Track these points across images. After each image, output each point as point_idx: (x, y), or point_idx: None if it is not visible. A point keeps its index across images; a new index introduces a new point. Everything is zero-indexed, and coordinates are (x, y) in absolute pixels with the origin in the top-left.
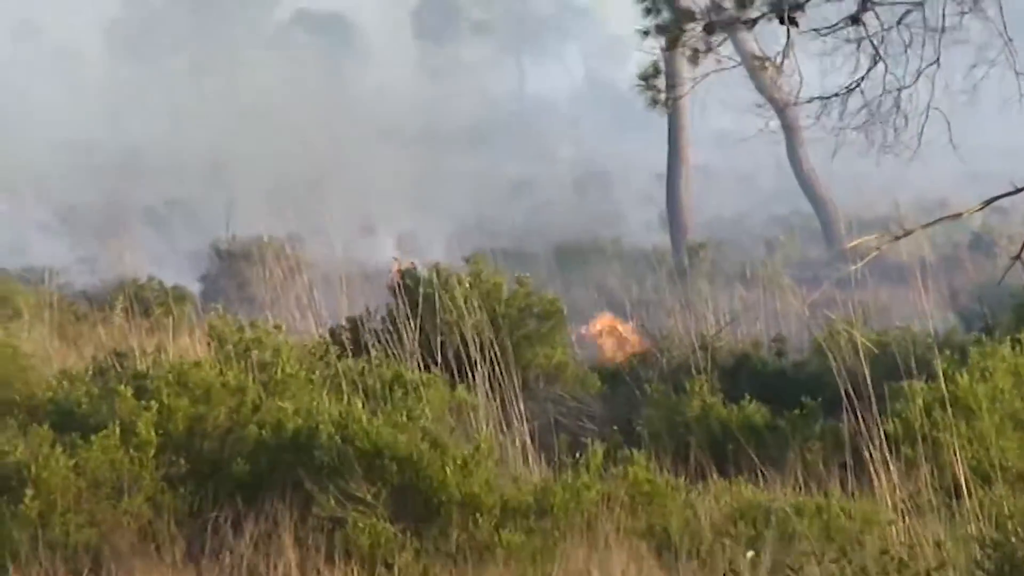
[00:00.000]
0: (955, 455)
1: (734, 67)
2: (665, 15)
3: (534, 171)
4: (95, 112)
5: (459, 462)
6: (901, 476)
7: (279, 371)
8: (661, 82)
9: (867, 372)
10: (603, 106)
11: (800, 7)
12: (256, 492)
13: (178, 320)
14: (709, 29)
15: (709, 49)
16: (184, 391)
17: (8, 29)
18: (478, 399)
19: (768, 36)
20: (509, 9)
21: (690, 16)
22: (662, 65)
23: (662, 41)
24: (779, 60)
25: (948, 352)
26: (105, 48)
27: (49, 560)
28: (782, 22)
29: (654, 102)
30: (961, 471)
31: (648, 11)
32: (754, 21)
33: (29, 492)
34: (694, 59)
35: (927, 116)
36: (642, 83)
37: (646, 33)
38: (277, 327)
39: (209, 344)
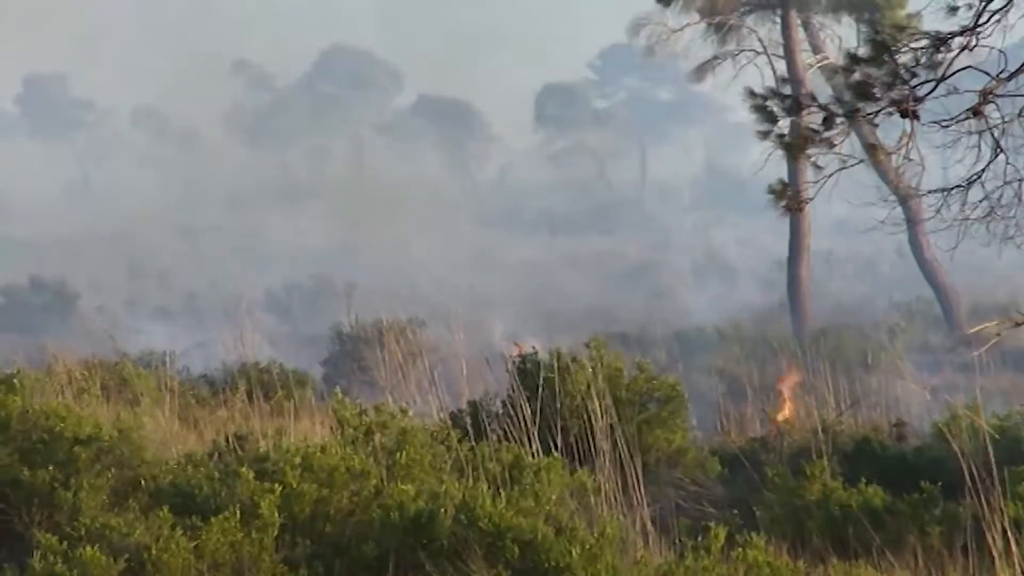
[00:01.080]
0: None
1: (856, 164)
2: (780, 115)
3: (655, 256)
4: (216, 197)
5: (585, 546)
6: (1022, 561)
7: (402, 455)
8: (789, 192)
9: (988, 456)
10: (723, 192)
11: (920, 100)
12: (378, 574)
13: (299, 403)
14: (828, 124)
15: (830, 144)
16: (308, 474)
17: (130, 113)
18: (599, 482)
19: (889, 126)
20: (631, 96)
21: (809, 111)
22: (783, 168)
23: (783, 150)
24: (901, 151)
25: None
26: (226, 133)
27: None
28: (903, 116)
29: (785, 209)
30: None
31: (761, 109)
32: (874, 114)
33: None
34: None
35: None
36: (771, 195)
37: (765, 134)
38: (403, 411)
39: (332, 428)
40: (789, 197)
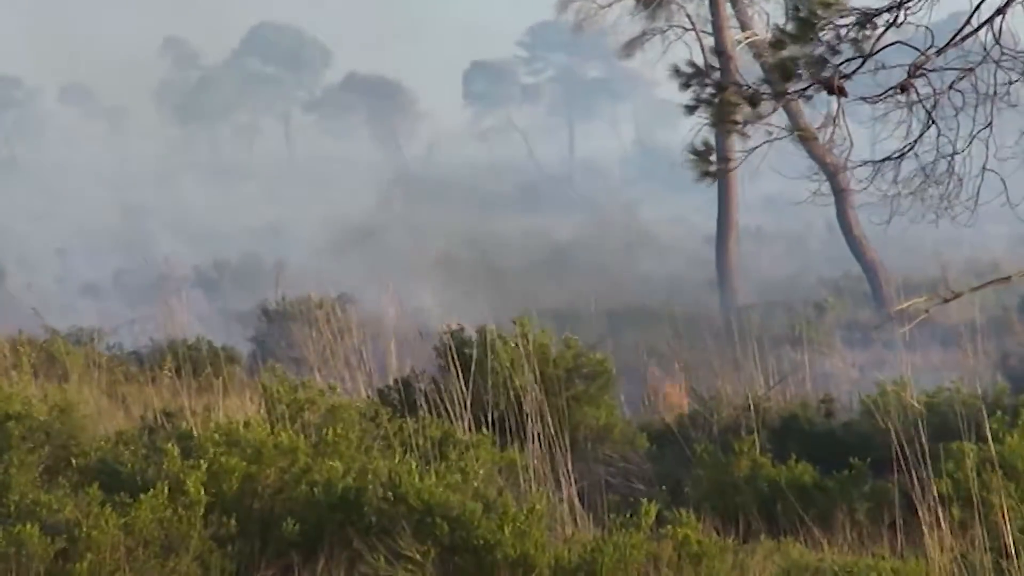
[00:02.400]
0: (1005, 517)
1: (784, 138)
2: (708, 90)
3: (583, 233)
4: (145, 174)
5: (515, 523)
6: (951, 537)
7: (330, 431)
8: (712, 156)
9: (918, 433)
10: (653, 169)
11: (847, 76)
12: (306, 551)
13: (228, 380)
14: (754, 102)
15: (758, 118)
16: (235, 450)
17: (57, 91)
18: (527, 459)
19: (818, 102)
20: (560, 73)
21: (735, 91)
22: (711, 139)
23: (707, 117)
24: (830, 128)
25: (998, 413)
26: (155, 111)
27: None
28: (830, 92)
29: (704, 175)
30: (1010, 532)
31: (687, 85)
32: (802, 91)
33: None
34: (741, 132)
35: (982, 179)
36: (693, 158)
37: (691, 108)
38: (332, 387)
39: (261, 404)
40: (712, 163)
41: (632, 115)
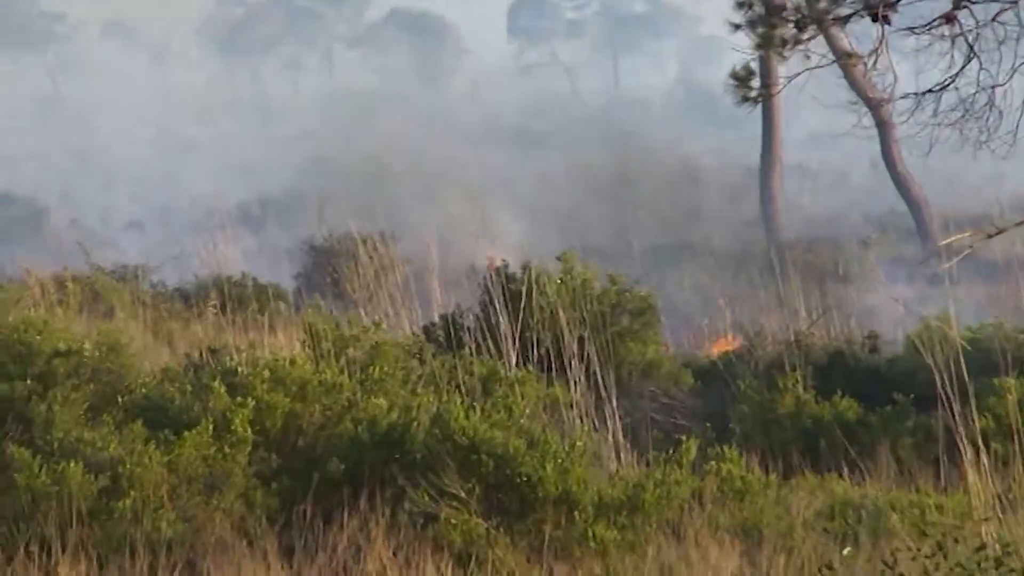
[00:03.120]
0: None
1: (827, 65)
2: (757, 10)
3: (627, 169)
4: (188, 110)
5: (557, 459)
6: (994, 472)
7: (375, 368)
8: (754, 81)
9: (960, 369)
10: (696, 105)
11: (892, 5)
12: (350, 488)
13: (272, 317)
14: (800, 25)
15: (799, 43)
16: (279, 388)
17: (99, 27)
18: (572, 396)
19: (861, 34)
20: (603, 8)
21: (781, 12)
22: (755, 65)
23: (753, 37)
24: (872, 58)
25: None
26: (198, 47)
27: (143, 555)
28: (874, 20)
29: (744, 99)
30: None
31: (740, 5)
32: (846, 18)
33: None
34: (784, 55)
35: (1022, 113)
36: (734, 82)
37: (737, 27)
38: (377, 324)
39: (304, 342)
40: (754, 88)
41: (676, 51)
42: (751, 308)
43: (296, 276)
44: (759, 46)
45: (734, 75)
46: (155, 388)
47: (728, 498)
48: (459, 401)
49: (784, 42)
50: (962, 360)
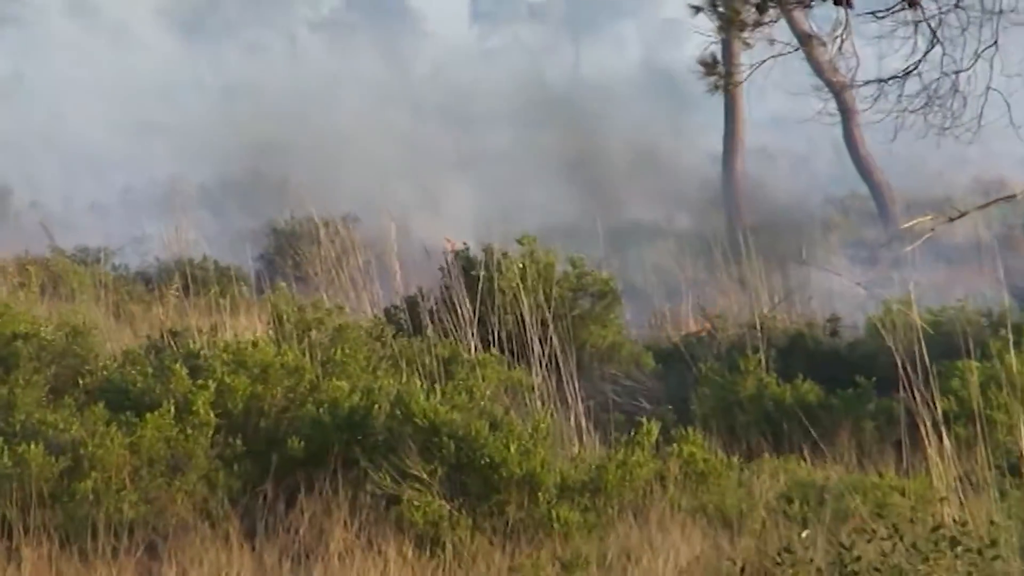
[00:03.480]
0: (1009, 434)
1: (791, 52)
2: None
3: (589, 153)
4: (150, 92)
5: (521, 441)
6: (955, 455)
7: (337, 351)
8: (719, 67)
9: (922, 351)
10: (659, 88)
11: None
12: (311, 470)
13: (234, 299)
14: (761, 7)
15: (760, 25)
16: (241, 370)
17: (61, 8)
18: (533, 378)
19: (824, 19)
20: None
21: None
22: (719, 51)
23: (714, 20)
24: (835, 42)
25: (1002, 331)
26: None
27: (104, 537)
28: (837, 3)
29: (715, 87)
30: (1015, 449)
31: None
32: (808, 1)
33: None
34: (745, 39)
35: (986, 98)
36: (701, 69)
37: (698, 9)
38: (339, 307)
39: (268, 324)
40: (720, 74)
41: (638, 34)
42: (713, 290)
43: (257, 259)
44: (720, 29)
45: (701, 62)
46: (117, 370)
47: (690, 480)
48: (420, 384)
49: (745, 25)
50: (923, 343)
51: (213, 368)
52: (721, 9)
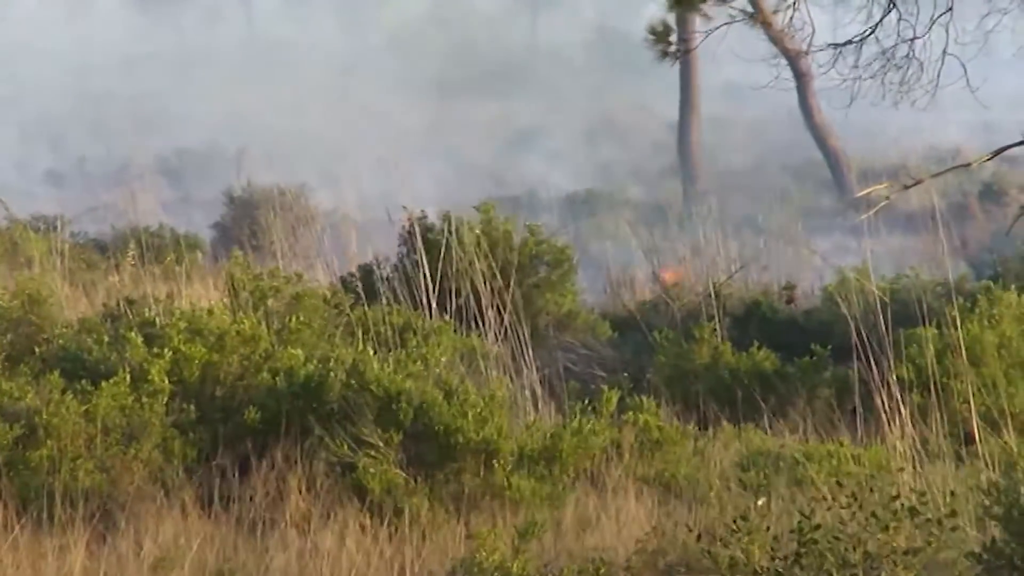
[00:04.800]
0: (966, 402)
1: (745, 20)
2: None
3: (546, 121)
4: (107, 62)
5: (477, 409)
6: (911, 423)
7: (292, 319)
8: (672, 37)
9: (877, 320)
10: (615, 56)
11: None
12: (267, 438)
13: (190, 267)
14: None
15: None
16: (197, 338)
17: None
18: (489, 346)
19: None
20: None
21: None
22: (672, 19)
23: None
24: (790, 10)
25: (959, 300)
26: None
27: (61, 505)
28: None
29: (664, 54)
30: (972, 418)
31: None
32: None
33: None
34: (702, 10)
35: (942, 64)
36: (652, 37)
37: None
38: (298, 275)
39: (225, 292)
40: (672, 43)
41: (595, 2)
42: (669, 259)
43: (214, 227)
44: (676, 2)
45: (652, 31)
46: (72, 339)
47: (646, 449)
48: (374, 352)
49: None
50: (879, 311)
51: (169, 336)
52: None
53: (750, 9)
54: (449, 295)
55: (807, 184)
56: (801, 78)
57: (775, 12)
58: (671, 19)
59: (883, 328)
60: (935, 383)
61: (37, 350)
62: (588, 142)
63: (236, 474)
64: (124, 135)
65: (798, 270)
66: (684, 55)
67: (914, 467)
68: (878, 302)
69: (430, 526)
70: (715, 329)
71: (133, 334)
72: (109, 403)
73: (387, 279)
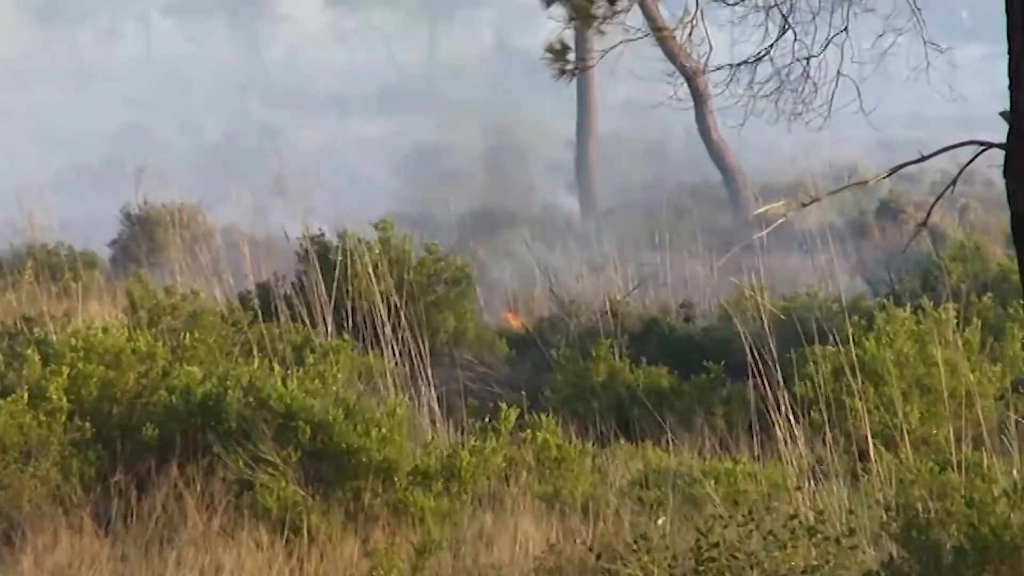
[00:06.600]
0: (861, 420)
1: (642, 38)
2: None
3: (443, 138)
4: (3, 78)
5: (377, 427)
6: (808, 441)
7: (188, 336)
8: (569, 55)
9: (773, 338)
10: (512, 73)
11: None
12: (164, 456)
13: (87, 285)
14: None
15: (613, 15)
16: (93, 356)
17: None
18: (386, 364)
19: (678, 5)
20: None
21: None
22: (570, 36)
23: (567, 10)
24: (687, 28)
25: (855, 317)
26: (14, 13)
27: None
28: None
29: (561, 72)
30: (867, 435)
31: None
32: None
33: None
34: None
35: (837, 84)
36: (549, 56)
37: (549, 2)
38: (195, 293)
39: (127, 310)
40: (569, 61)
41: (492, 19)
42: (566, 277)
43: (111, 244)
44: (572, 19)
45: (549, 49)
46: None
47: (544, 467)
48: (274, 369)
49: (595, 17)
50: (773, 330)
51: (64, 354)
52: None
53: (647, 26)
54: (347, 313)
55: (705, 202)
56: (698, 96)
57: (673, 29)
58: (568, 37)
59: (777, 347)
60: (830, 401)
61: None
62: (486, 160)
63: (134, 492)
64: (21, 152)
65: (696, 288)
66: (581, 72)
67: (809, 484)
68: (771, 320)
69: (329, 543)
70: (612, 347)
71: (30, 352)
72: (7, 421)
73: (285, 297)
